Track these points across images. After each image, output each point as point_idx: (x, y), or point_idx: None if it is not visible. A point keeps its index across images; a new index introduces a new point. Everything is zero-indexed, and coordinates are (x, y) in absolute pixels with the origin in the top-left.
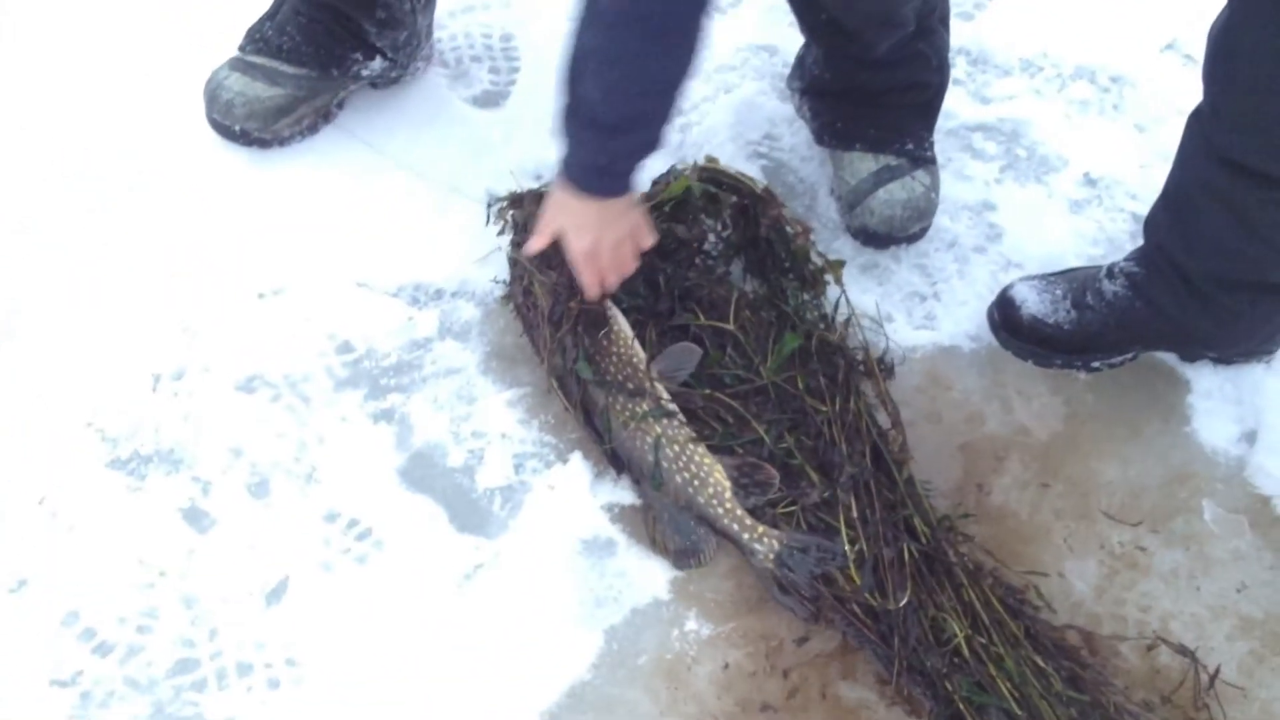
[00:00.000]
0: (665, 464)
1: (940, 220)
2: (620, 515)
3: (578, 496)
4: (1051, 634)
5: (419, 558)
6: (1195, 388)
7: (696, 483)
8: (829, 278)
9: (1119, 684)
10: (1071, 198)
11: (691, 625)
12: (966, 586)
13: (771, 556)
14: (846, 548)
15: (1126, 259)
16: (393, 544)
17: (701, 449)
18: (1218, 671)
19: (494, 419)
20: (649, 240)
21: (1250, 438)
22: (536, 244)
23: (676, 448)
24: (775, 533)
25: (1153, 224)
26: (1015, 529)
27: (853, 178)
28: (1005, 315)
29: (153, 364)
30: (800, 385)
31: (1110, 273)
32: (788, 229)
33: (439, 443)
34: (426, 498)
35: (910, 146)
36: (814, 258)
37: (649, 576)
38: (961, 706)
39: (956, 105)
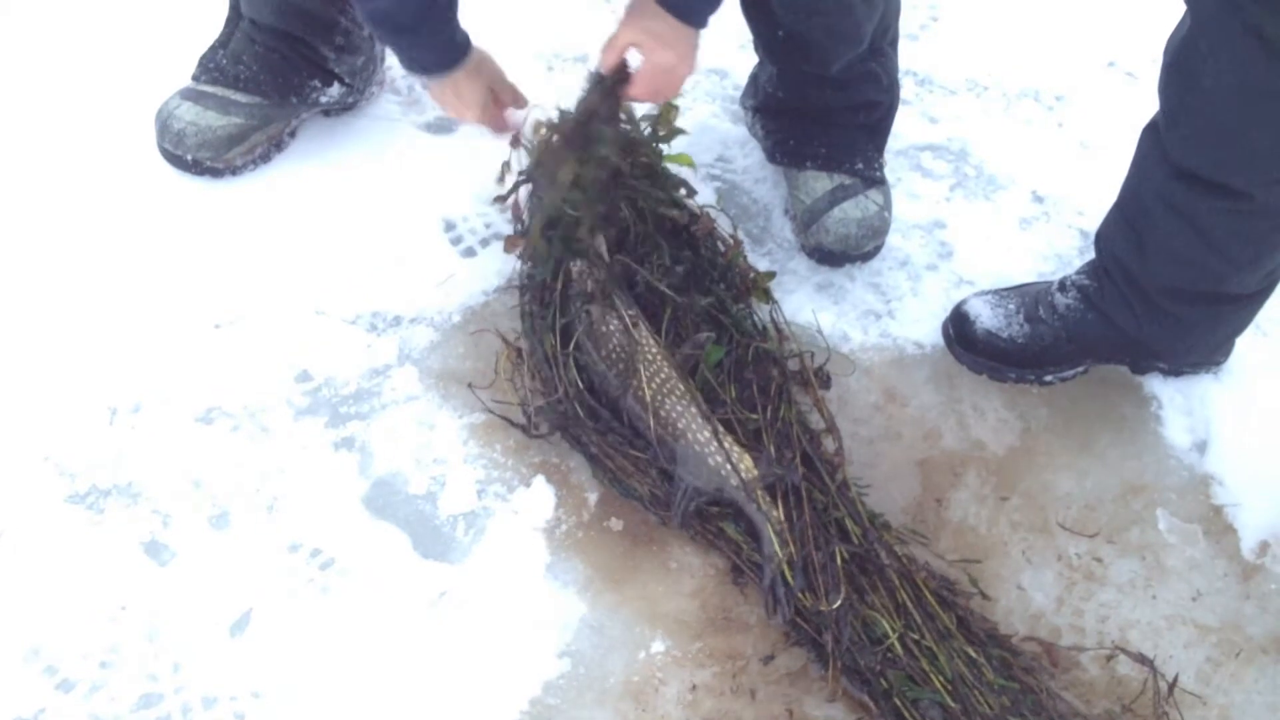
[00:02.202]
0: (698, 448)
1: (892, 239)
2: (584, 539)
3: (541, 520)
4: (994, 633)
5: (383, 586)
6: (1147, 400)
7: (729, 464)
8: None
9: (1049, 669)
10: (1020, 215)
11: (658, 646)
12: (899, 587)
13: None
14: (776, 550)
15: (1078, 272)
16: (356, 573)
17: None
18: (1176, 680)
19: (455, 445)
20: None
21: (1201, 447)
22: (611, 58)
23: (710, 426)
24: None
25: (1105, 236)
26: (974, 543)
27: (808, 197)
28: (959, 330)
29: (110, 396)
30: (731, 394)
31: (1062, 286)
32: (718, 243)
33: (400, 470)
34: (389, 525)
35: (860, 166)
36: (744, 267)
37: (614, 599)
38: (898, 702)
39: (905, 125)
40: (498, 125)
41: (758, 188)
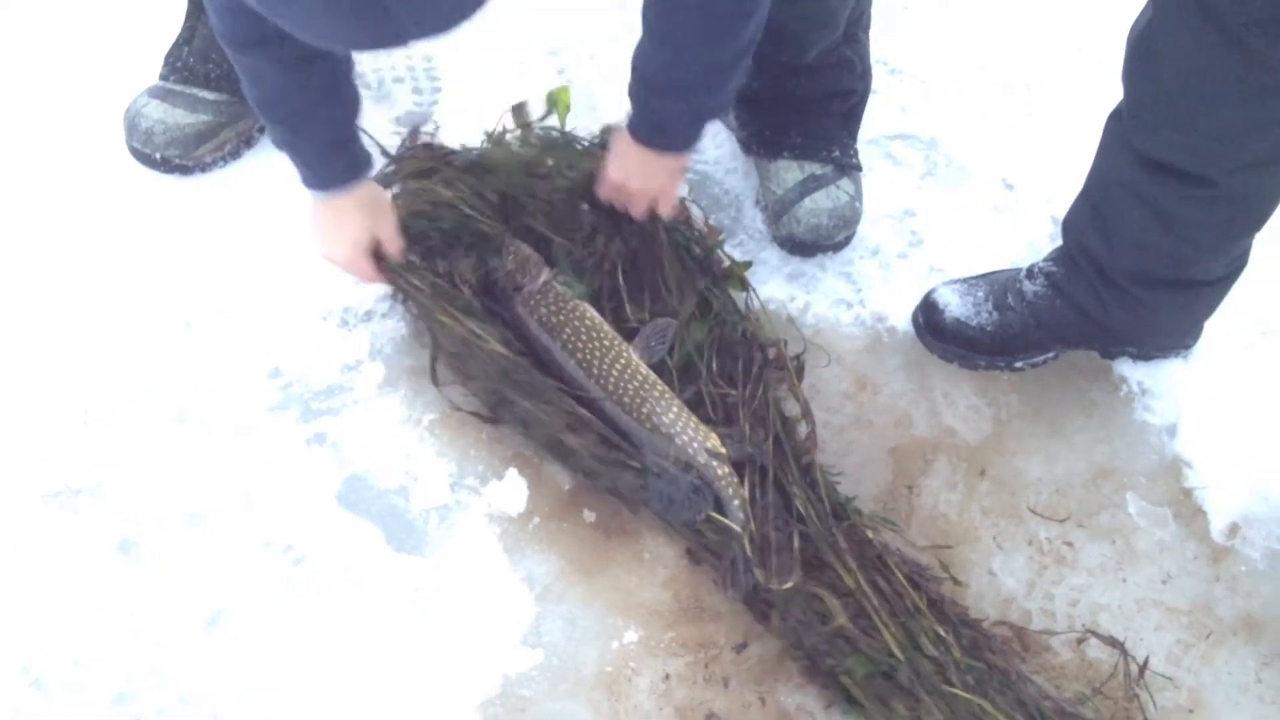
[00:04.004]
0: (664, 427)
1: (864, 228)
2: (556, 531)
3: (513, 512)
4: (965, 617)
5: (356, 581)
6: (1117, 384)
7: (696, 442)
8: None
9: (1020, 653)
10: (991, 203)
11: (631, 636)
12: (856, 570)
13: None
14: (739, 525)
15: (1045, 259)
16: (330, 568)
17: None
18: (1146, 662)
19: (427, 438)
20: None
21: (1171, 431)
22: (605, 195)
23: (675, 405)
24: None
25: (1072, 223)
26: (945, 529)
27: (779, 188)
28: (929, 319)
29: (81, 394)
30: (712, 368)
31: (1030, 273)
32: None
33: (372, 465)
34: (362, 520)
35: (836, 154)
36: (723, 257)
37: (587, 590)
38: (844, 681)
39: (876, 115)
40: (365, 275)
41: (729, 179)
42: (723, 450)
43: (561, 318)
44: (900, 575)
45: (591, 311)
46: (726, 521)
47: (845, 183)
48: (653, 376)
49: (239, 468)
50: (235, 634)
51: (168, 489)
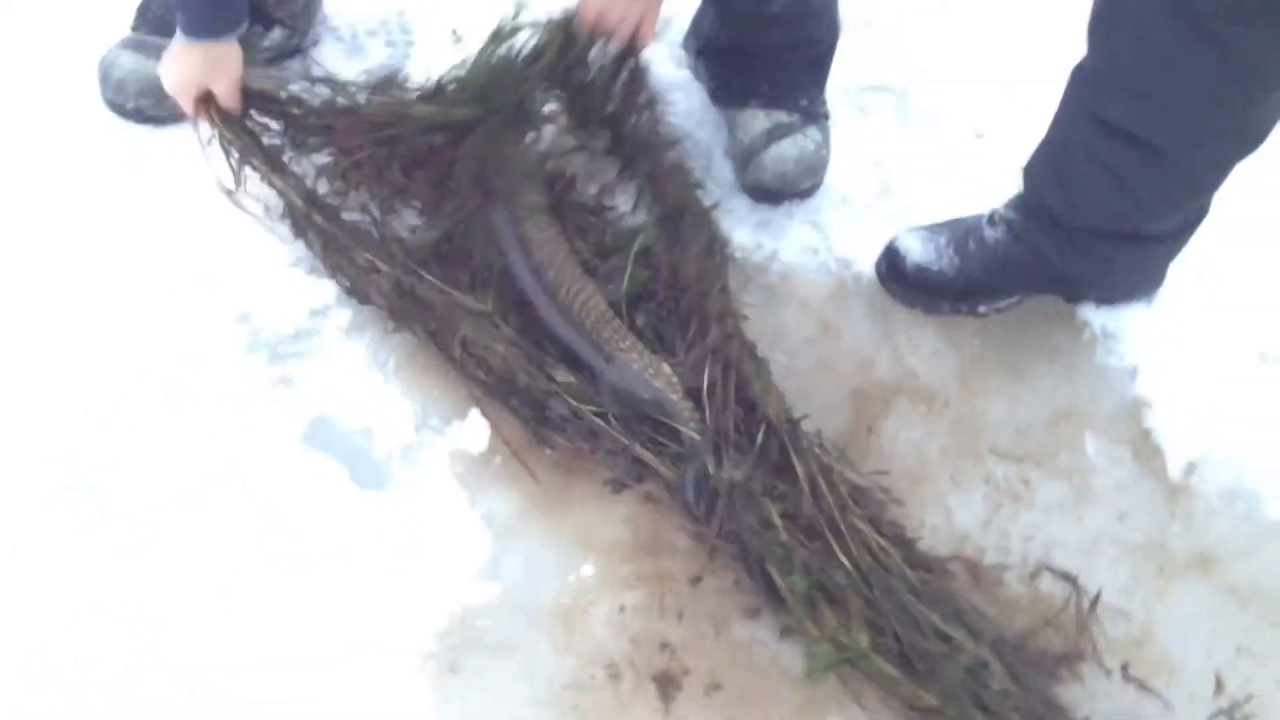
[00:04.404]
0: (621, 355)
1: (832, 177)
2: (518, 469)
3: (476, 451)
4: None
5: (319, 516)
6: (1080, 328)
7: (651, 370)
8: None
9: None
10: (960, 152)
11: (588, 570)
12: (805, 467)
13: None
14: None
15: (1006, 206)
16: (293, 505)
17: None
18: (1099, 595)
19: (393, 380)
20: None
21: (1132, 374)
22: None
23: (630, 338)
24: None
25: (1031, 173)
26: (903, 468)
27: (745, 136)
28: (891, 264)
29: (52, 339)
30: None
31: (991, 220)
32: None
33: (338, 407)
34: (327, 458)
35: (804, 103)
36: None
37: (546, 526)
38: (772, 570)
39: (848, 66)
40: (185, 107)
41: (699, 130)
42: (675, 379)
43: (541, 238)
44: (844, 490)
45: (565, 237)
46: (684, 429)
47: (812, 130)
48: (610, 312)
49: (205, 405)
50: (194, 560)
51: (132, 419)
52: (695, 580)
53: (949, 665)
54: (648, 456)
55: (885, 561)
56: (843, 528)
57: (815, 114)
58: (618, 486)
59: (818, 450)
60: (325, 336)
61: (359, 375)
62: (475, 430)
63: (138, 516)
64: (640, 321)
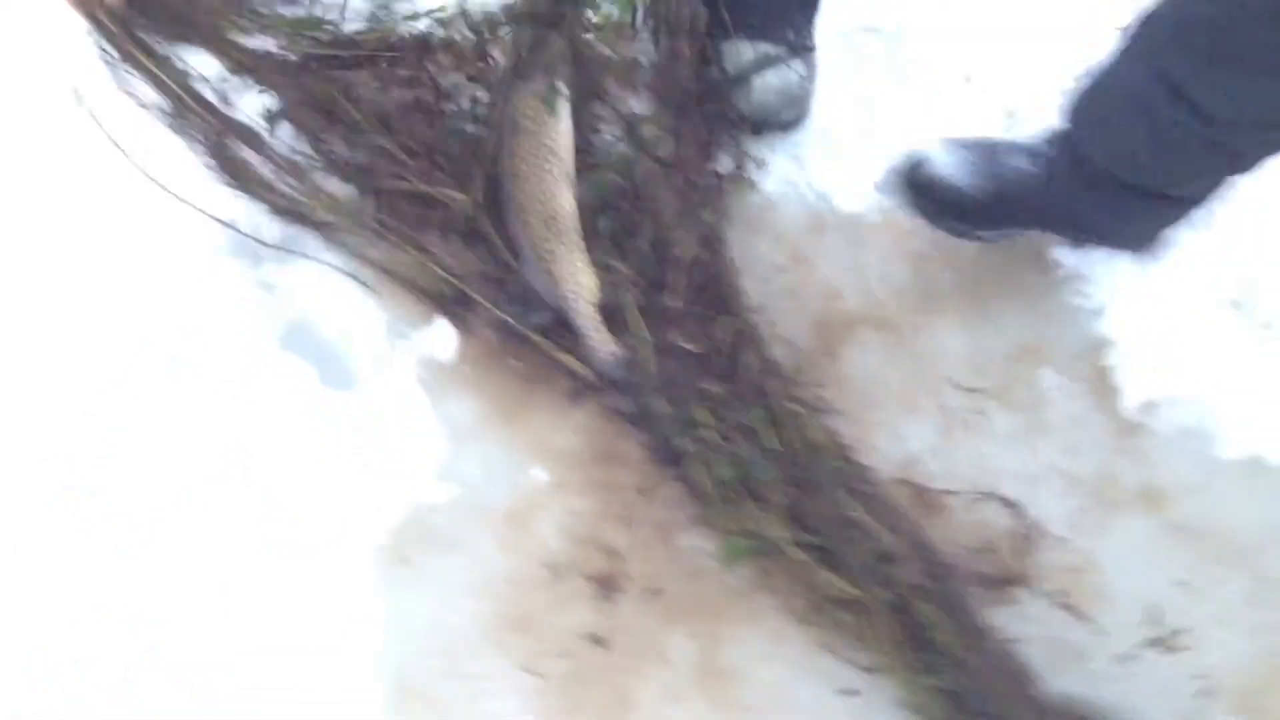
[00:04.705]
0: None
1: (818, 114)
2: (482, 377)
3: (442, 358)
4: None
5: (286, 412)
6: (1051, 268)
7: (566, 276)
8: None
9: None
10: (948, 96)
11: (541, 476)
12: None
13: (608, 364)
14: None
15: (1040, 137)
16: (262, 399)
17: (583, 251)
18: (1041, 524)
19: (368, 289)
20: None
21: (1098, 313)
22: None
23: (566, 243)
24: (619, 344)
25: (1076, 113)
26: (859, 393)
27: (731, 67)
28: (910, 168)
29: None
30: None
31: (1024, 149)
32: None
33: (315, 310)
34: (298, 359)
35: (791, 36)
36: None
37: (505, 432)
38: (689, 467)
39: (843, 4)
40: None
41: None
42: (595, 294)
43: (527, 124)
44: (785, 397)
45: (561, 134)
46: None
47: (798, 63)
48: (566, 211)
49: (186, 303)
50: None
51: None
52: (644, 490)
53: (858, 551)
54: (573, 363)
55: (814, 460)
56: (775, 430)
57: (801, 46)
58: (576, 397)
59: (767, 362)
60: (306, 245)
61: (336, 282)
62: (442, 338)
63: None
64: (601, 226)
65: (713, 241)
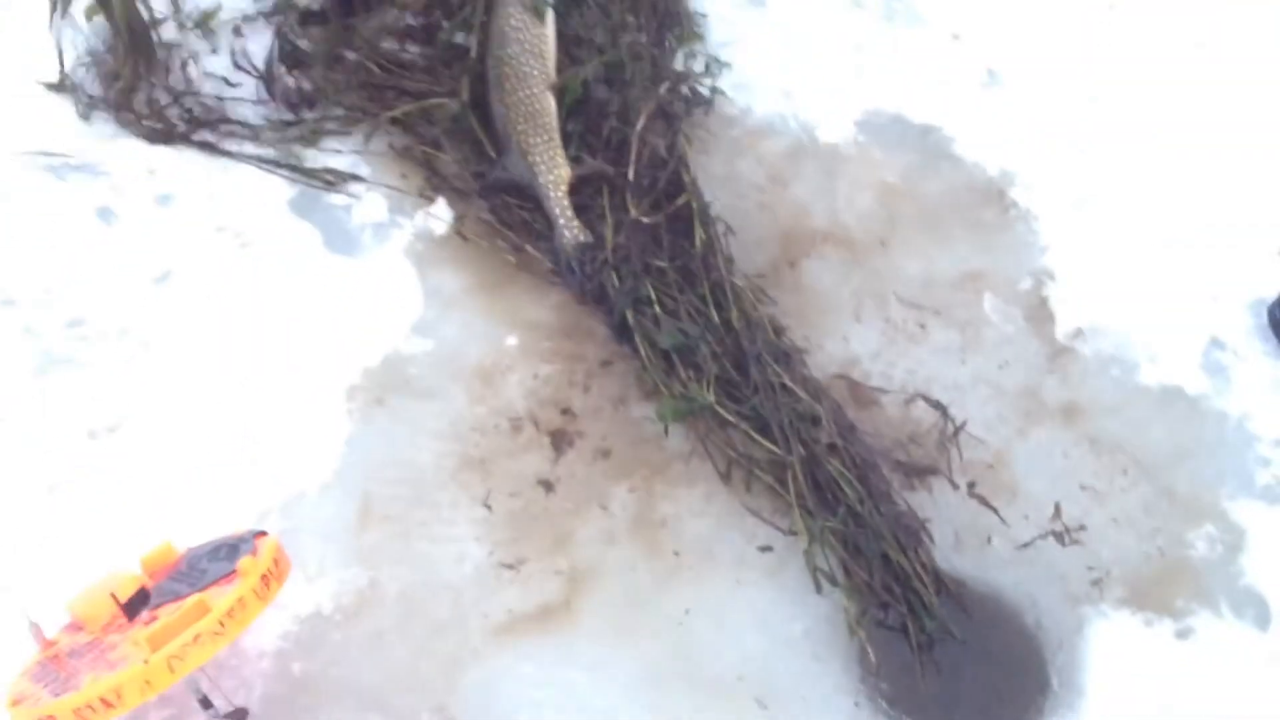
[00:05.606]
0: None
1: (810, 55)
2: (472, 253)
3: (437, 234)
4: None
5: (290, 268)
6: (1007, 207)
7: (544, 166)
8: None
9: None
10: (935, 49)
11: (512, 341)
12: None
13: (572, 245)
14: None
15: None
16: (270, 255)
17: (559, 145)
18: (964, 424)
19: (376, 164)
20: None
21: (1044, 250)
22: None
23: (545, 137)
24: (585, 230)
25: None
26: (813, 300)
27: None
28: None
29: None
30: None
31: None
32: None
33: (325, 183)
34: (306, 223)
35: None
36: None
37: (486, 302)
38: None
39: None
40: None
41: None
42: (565, 181)
43: (514, 32)
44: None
45: (546, 39)
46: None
47: None
48: (547, 109)
49: (210, 168)
50: (178, 290)
51: (149, 175)
52: (605, 363)
53: (781, 412)
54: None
55: (749, 333)
56: (716, 308)
57: None
58: (556, 278)
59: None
60: (322, 124)
61: (347, 161)
62: (440, 215)
63: (136, 242)
64: (570, 128)
65: (671, 123)
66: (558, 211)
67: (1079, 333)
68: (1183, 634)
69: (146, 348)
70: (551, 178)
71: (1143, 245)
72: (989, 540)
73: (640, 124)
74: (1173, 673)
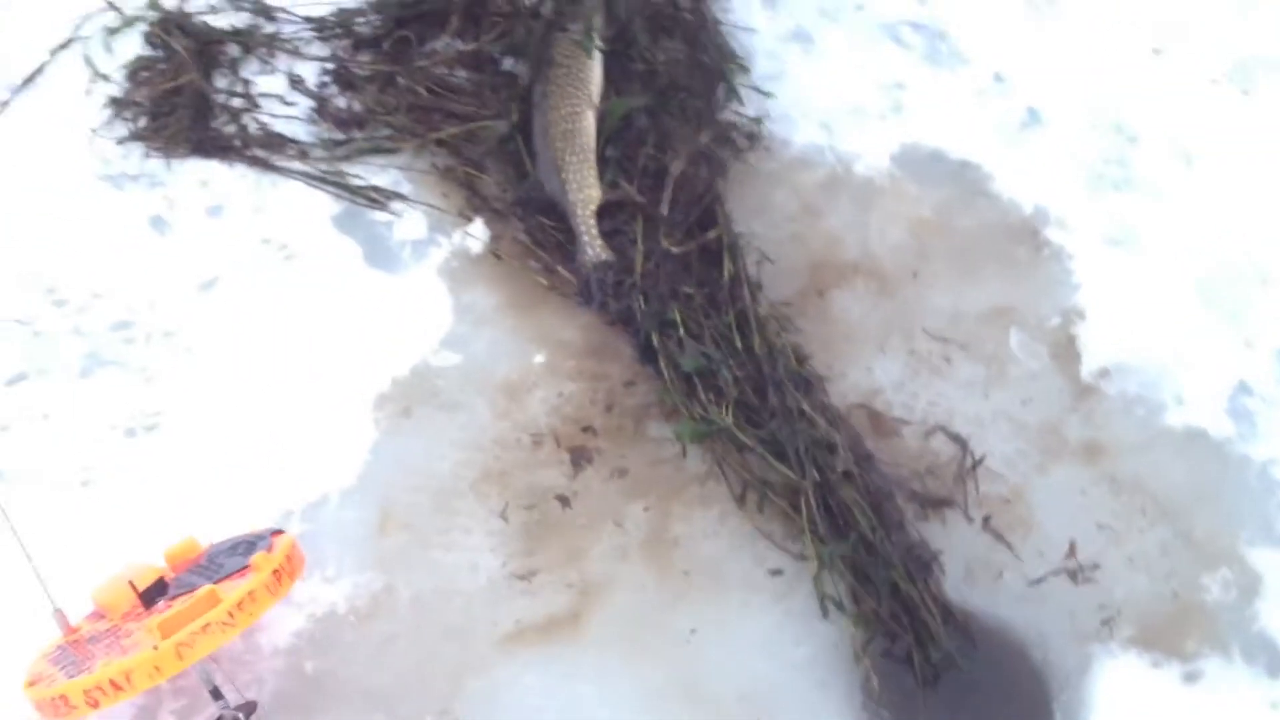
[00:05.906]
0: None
1: (850, 91)
2: (506, 273)
3: (474, 254)
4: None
5: (331, 281)
6: (1040, 246)
7: (575, 184)
8: None
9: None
10: (977, 89)
11: (540, 359)
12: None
13: (594, 262)
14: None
15: None
16: (312, 268)
17: (593, 167)
18: (983, 458)
19: (420, 183)
20: None
21: (1076, 289)
22: None
23: (580, 157)
24: (607, 250)
25: None
26: (839, 329)
27: None
28: None
29: None
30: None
31: None
32: None
33: (368, 200)
34: (349, 239)
35: None
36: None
37: (516, 321)
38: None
39: (894, 1)
40: None
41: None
42: (594, 202)
43: (560, 59)
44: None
45: (592, 69)
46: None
47: None
48: (586, 130)
49: (260, 182)
50: (223, 297)
51: (201, 188)
52: (629, 383)
53: (798, 438)
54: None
55: (771, 360)
56: (741, 334)
57: None
58: (580, 297)
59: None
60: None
61: (390, 176)
62: (477, 235)
63: (187, 251)
64: (609, 153)
65: (711, 166)
66: (583, 229)
67: (1105, 372)
68: (1191, 677)
69: (189, 352)
70: (581, 196)
71: (1176, 287)
72: (1001, 575)
73: (680, 164)
74: (1178, 715)
